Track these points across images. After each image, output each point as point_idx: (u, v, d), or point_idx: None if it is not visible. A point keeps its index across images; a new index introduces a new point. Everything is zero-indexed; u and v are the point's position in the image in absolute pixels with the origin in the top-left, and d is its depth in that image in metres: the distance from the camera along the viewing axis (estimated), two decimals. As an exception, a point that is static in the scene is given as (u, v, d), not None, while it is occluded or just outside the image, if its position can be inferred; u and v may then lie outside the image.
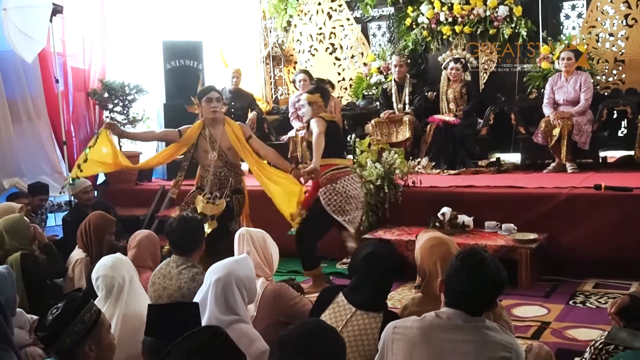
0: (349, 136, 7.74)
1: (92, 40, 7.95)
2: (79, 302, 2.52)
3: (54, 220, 7.52)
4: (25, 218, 4.95)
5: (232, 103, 8.85)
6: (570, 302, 4.90)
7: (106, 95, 7.82)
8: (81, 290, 2.89)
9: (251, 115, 8.81)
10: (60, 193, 7.23)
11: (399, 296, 5.16)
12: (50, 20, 7.03)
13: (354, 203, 5.41)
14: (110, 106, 7.89)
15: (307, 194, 5.45)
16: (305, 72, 8.77)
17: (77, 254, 4.88)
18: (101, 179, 8.12)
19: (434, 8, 8.34)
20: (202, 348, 2.09)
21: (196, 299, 3.15)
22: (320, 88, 5.84)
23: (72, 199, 7.04)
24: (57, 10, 7.08)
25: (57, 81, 7.34)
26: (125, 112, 7.94)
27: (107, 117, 7.98)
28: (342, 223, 5.37)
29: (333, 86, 8.71)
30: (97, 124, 8.04)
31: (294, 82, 8.92)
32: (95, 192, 7.90)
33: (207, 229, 5.02)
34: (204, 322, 2.96)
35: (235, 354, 2.16)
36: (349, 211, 5.35)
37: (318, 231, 5.46)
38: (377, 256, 3.20)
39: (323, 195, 5.31)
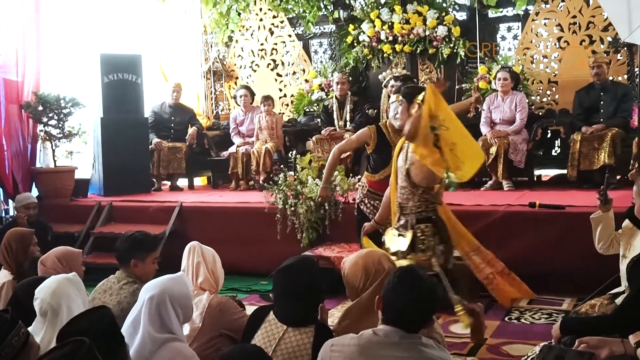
0: (290, 152, 7.72)
1: (26, 52, 7.70)
2: (7, 325, 2.41)
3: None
4: None
5: (172, 118, 8.75)
6: (506, 319, 4.97)
7: (40, 108, 7.59)
8: (8, 311, 2.72)
9: (191, 130, 8.71)
10: None
11: (339, 313, 5.12)
12: (-18, 31, 6.83)
13: None
14: (45, 119, 7.67)
15: None
16: (246, 87, 8.75)
17: (3, 276, 4.55)
18: (34, 193, 7.87)
19: (374, 27, 8.42)
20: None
21: (130, 316, 3.09)
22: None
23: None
24: (-11, 20, 6.88)
25: (-12, 93, 7.12)
26: (60, 125, 7.72)
27: (42, 130, 7.76)
28: None
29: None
30: (31, 137, 7.81)
31: (234, 97, 8.88)
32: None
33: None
34: (137, 340, 2.91)
35: None
36: None
37: None
38: (287, 270, 3.16)
39: None
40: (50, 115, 7.66)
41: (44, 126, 7.73)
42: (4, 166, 7.43)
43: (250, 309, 3.75)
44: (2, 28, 7.35)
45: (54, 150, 7.80)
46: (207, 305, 3.62)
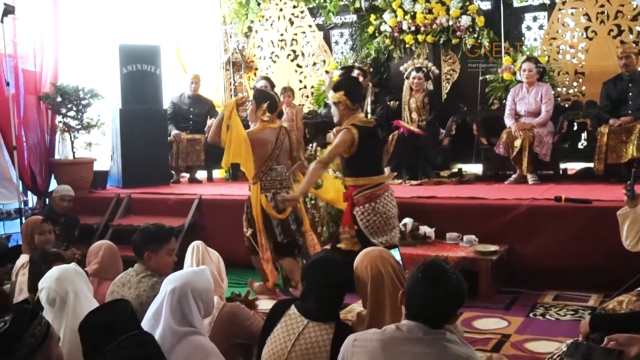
0: (310, 145, 7.63)
1: (45, 42, 7.68)
2: (29, 315, 2.41)
3: (3, 229, 7.29)
4: None
5: (191, 109, 8.71)
6: (531, 315, 4.87)
7: (59, 99, 7.57)
8: (29, 301, 2.79)
9: (210, 122, 8.65)
10: None
11: (360, 308, 5.03)
12: (1, 21, 6.80)
13: (392, 223, 4.92)
14: (64, 110, 7.64)
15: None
16: (266, 78, 8.66)
17: (23, 258, 4.81)
18: (53, 185, 7.87)
19: (396, 16, 8.31)
20: None
21: (151, 309, 3.09)
22: (345, 81, 4.92)
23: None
24: (8, 10, 6.85)
25: (7, 84, 7.08)
26: (79, 117, 7.69)
27: (60, 121, 7.73)
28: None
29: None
30: (49, 128, 7.79)
31: (254, 88, 8.80)
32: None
33: None
34: (158, 333, 2.92)
35: None
36: (386, 232, 4.84)
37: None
38: (321, 263, 3.15)
39: (360, 216, 4.80)
40: (69, 106, 7.63)
41: (62, 117, 7.71)
42: (23, 157, 7.41)
43: (269, 303, 3.70)
44: (20, 19, 7.32)
45: (72, 142, 7.77)
46: (217, 315, 3.61)
